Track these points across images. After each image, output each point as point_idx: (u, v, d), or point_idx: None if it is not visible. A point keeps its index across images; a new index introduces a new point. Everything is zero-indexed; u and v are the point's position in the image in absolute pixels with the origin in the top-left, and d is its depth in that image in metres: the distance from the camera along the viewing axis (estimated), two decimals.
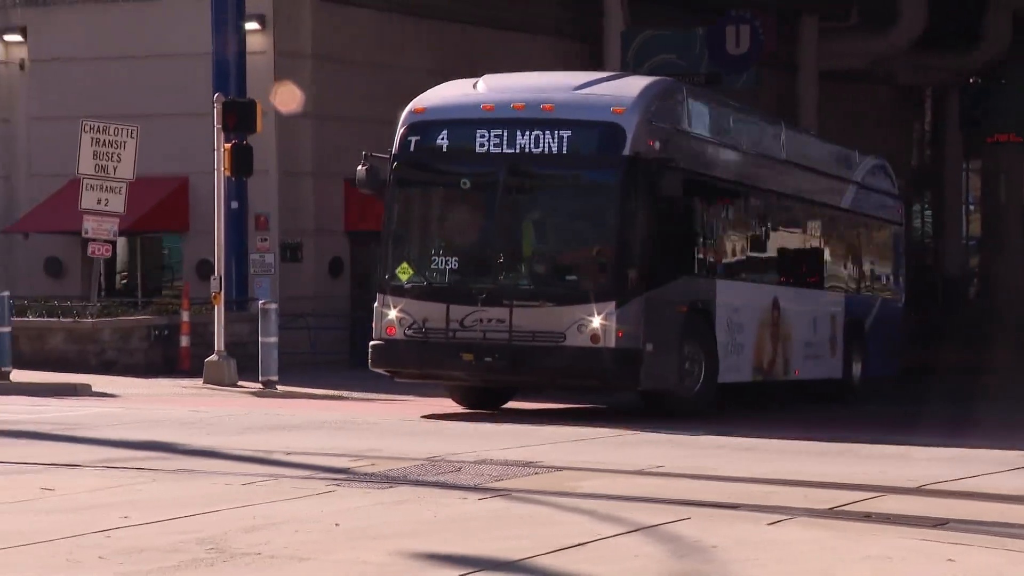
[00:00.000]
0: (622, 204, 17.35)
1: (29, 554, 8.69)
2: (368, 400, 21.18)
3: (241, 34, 27.45)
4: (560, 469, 12.90)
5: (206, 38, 27.72)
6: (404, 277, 17.81)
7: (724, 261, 20.36)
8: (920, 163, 53.53)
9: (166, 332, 26.02)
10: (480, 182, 17.97)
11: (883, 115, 48.43)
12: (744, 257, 21.20)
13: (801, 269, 23.34)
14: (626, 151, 17.28)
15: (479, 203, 18.21)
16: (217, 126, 22.73)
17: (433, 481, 11.95)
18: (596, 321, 16.86)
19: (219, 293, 22.72)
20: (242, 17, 26.97)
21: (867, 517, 10.27)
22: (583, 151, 17.62)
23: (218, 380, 22.29)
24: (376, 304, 18.06)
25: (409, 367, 18.09)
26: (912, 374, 27.98)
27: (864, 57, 41.81)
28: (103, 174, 24.09)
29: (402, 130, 18.28)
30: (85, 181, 24.06)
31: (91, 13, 31.36)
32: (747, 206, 21.18)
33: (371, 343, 18.08)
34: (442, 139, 17.98)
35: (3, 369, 21.63)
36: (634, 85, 18.66)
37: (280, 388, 21.70)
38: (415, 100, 18.55)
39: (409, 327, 17.51)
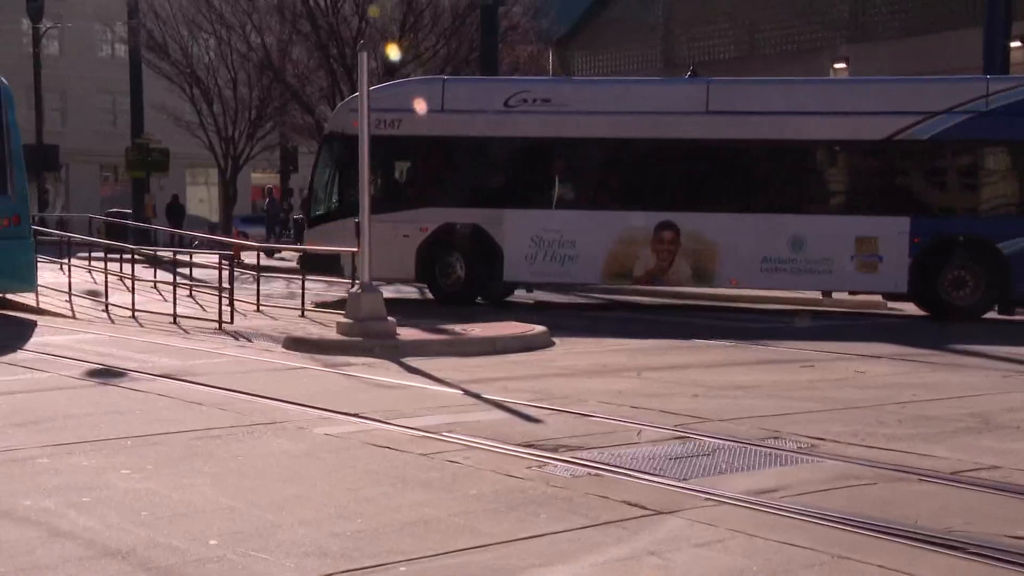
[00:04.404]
0: (319, 165, 20.86)
1: (850, 415, 9.44)
2: None
3: (1006, 52, 26.77)
4: None
5: (972, 59, 27.23)
6: None
7: (512, 196, 19.88)
8: None
9: None
10: None
11: None
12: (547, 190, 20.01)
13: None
14: (325, 131, 21.96)
15: None
16: None
17: None
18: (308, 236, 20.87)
19: None
20: (1007, 37, 26.37)
21: None
22: None
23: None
24: None
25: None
26: None
27: None
28: None
29: None
30: None
31: (896, 46, 31.93)
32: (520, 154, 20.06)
33: None
34: None
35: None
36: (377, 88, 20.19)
37: None
38: None
39: None
